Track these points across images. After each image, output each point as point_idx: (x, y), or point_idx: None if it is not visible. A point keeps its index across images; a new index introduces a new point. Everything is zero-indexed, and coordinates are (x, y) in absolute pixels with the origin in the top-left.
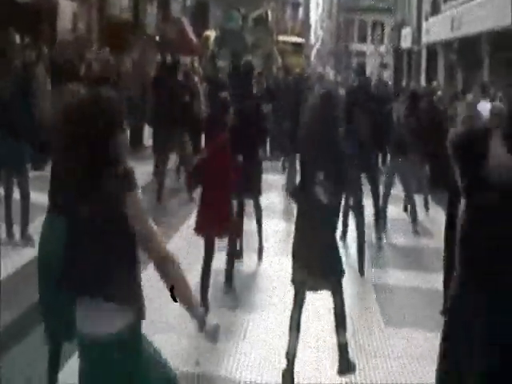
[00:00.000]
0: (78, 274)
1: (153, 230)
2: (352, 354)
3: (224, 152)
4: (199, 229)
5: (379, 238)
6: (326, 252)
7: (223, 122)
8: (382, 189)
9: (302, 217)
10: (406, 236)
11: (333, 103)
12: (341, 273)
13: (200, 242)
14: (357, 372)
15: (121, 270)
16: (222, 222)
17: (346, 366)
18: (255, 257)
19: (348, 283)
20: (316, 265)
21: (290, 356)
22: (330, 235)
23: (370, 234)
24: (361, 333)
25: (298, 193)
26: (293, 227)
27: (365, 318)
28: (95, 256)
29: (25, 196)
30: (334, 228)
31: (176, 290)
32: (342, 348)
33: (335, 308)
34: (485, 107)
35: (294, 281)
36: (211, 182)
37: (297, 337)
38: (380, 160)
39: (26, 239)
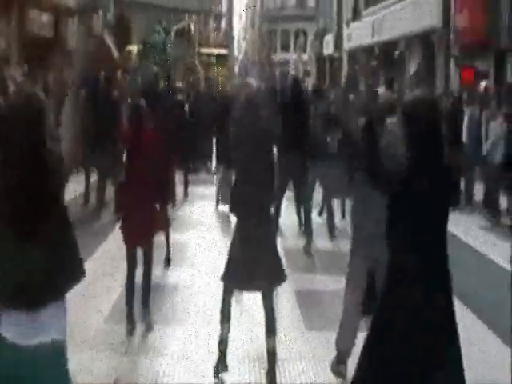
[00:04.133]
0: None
1: None
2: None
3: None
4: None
5: (308, 244)
6: (267, 256)
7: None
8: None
9: (243, 220)
10: (324, 240)
11: (256, 105)
12: (280, 278)
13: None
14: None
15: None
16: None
17: (272, 378)
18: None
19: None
20: (255, 268)
21: (223, 347)
22: (271, 240)
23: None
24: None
25: (237, 206)
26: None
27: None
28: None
29: None
30: (275, 232)
31: None
32: (270, 355)
33: (266, 313)
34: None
35: (225, 279)
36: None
37: (228, 328)
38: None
39: None
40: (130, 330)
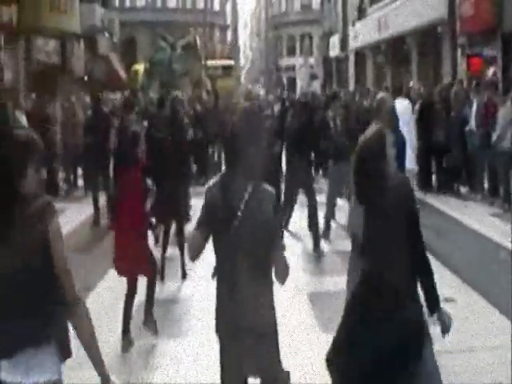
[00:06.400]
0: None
1: (65, 269)
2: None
3: (136, 188)
4: (117, 267)
5: (317, 247)
6: None
7: (133, 157)
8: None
9: None
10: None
11: (257, 117)
12: None
13: None
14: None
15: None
16: (136, 261)
17: None
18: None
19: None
20: None
21: None
22: None
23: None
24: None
25: None
26: None
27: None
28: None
29: None
30: None
31: (79, 334)
32: None
33: None
34: (402, 103)
35: None
36: (123, 220)
37: None
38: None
39: None
40: (126, 347)
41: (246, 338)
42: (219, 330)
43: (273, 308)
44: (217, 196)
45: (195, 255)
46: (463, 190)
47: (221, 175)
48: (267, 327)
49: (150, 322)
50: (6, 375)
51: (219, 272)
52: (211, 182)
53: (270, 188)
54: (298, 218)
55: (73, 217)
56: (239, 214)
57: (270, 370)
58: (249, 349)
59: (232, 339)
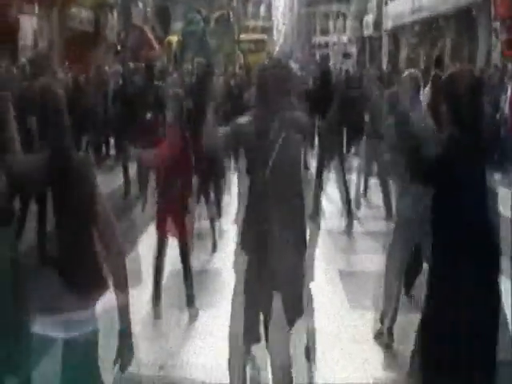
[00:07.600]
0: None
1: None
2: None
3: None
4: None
5: (349, 225)
6: None
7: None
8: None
9: None
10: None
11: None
12: None
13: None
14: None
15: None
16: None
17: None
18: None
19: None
20: None
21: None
22: None
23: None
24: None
25: None
26: None
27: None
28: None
29: None
30: None
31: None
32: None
33: None
34: None
35: None
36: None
37: None
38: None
39: None
40: (158, 313)
41: (273, 251)
42: (245, 246)
43: (304, 229)
44: (249, 132)
45: (211, 143)
46: (497, 176)
47: (253, 115)
48: (296, 240)
49: (191, 307)
50: (47, 330)
51: (250, 201)
52: (240, 120)
53: (298, 136)
54: (325, 196)
55: (102, 187)
56: (274, 154)
57: (295, 285)
58: (275, 264)
59: (258, 254)
